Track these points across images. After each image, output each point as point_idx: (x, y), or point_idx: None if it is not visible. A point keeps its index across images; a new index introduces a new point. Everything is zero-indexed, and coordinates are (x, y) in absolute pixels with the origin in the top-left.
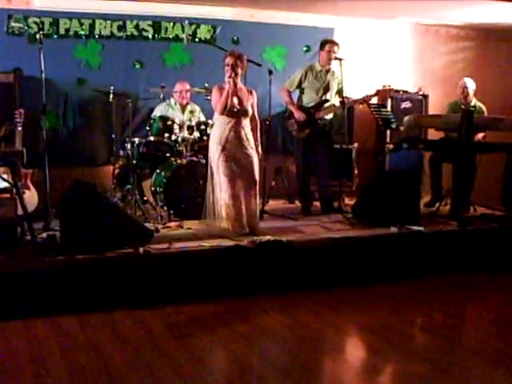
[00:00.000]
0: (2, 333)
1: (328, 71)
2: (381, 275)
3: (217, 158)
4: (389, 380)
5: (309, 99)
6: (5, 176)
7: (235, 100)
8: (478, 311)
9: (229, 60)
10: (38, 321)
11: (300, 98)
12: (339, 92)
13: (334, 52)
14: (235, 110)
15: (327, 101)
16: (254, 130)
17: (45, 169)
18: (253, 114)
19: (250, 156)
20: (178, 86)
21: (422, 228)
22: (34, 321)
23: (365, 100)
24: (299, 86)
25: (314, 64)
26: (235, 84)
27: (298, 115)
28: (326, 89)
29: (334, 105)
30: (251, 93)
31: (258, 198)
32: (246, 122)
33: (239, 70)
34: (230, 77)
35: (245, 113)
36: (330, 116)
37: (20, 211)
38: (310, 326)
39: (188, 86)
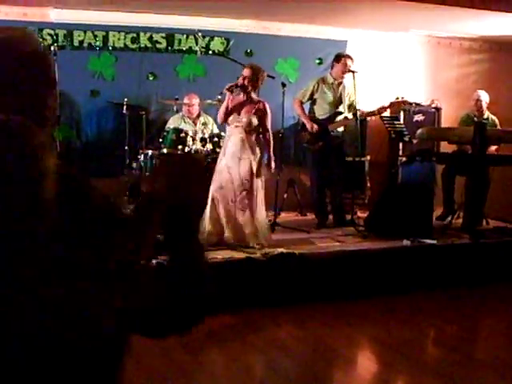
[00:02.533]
0: None
1: (340, 84)
2: (393, 288)
3: (217, 169)
4: None
5: (321, 111)
6: None
7: (237, 110)
8: (491, 324)
9: (245, 72)
10: None
11: (312, 110)
12: (351, 105)
13: (348, 65)
14: (235, 119)
15: (340, 113)
16: (267, 144)
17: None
18: (265, 127)
19: (242, 167)
20: (186, 98)
21: (434, 241)
22: None
23: (379, 112)
24: (311, 97)
25: (326, 76)
26: (247, 96)
27: (311, 126)
28: (339, 101)
29: (347, 117)
30: (262, 105)
31: (250, 211)
32: (247, 132)
33: (249, 84)
34: (230, 86)
35: (245, 123)
36: (341, 128)
37: None
38: (322, 339)
39: (196, 99)
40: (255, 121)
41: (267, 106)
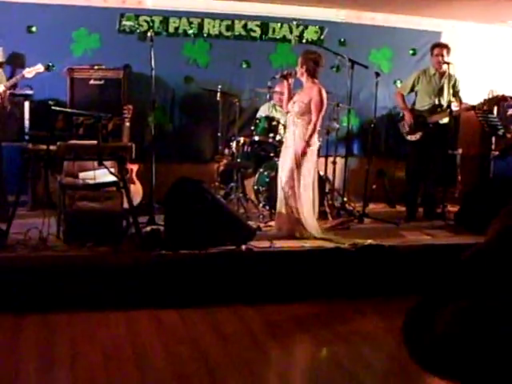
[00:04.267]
0: (104, 322)
1: (443, 75)
2: None
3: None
4: None
5: (422, 103)
6: (112, 170)
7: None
8: None
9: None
10: (140, 313)
11: (415, 102)
12: (455, 95)
13: (443, 55)
14: (288, 107)
15: (441, 105)
16: (308, 123)
17: (151, 164)
18: (309, 108)
19: (288, 157)
20: (277, 87)
21: None
22: (136, 313)
23: (478, 108)
24: (412, 89)
25: (429, 68)
26: (307, 81)
27: (408, 117)
28: (440, 92)
29: (449, 108)
30: (312, 89)
31: (292, 201)
32: (298, 120)
33: (299, 70)
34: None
35: (296, 111)
36: (445, 120)
37: (126, 205)
38: None
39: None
40: (301, 105)
41: (321, 90)
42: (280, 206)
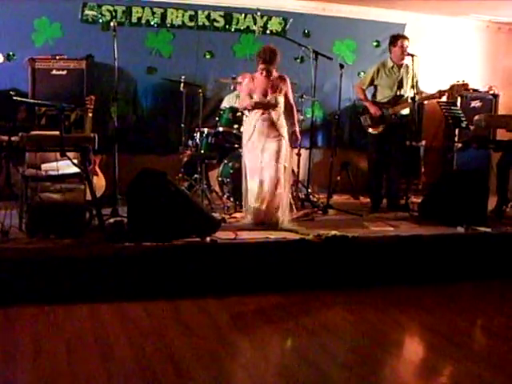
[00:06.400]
0: (67, 315)
1: (401, 66)
2: (446, 275)
3: (245, 148)
4: (449, 380)
5: (382, 96)
6: (75, 161)
7: (261, 92)
8: None
9: (261, 53)
10: (104, 306)
11: (374, 95)
12: (414, 86)
13: (406, 46)
14: (261, 102)
15: (401, 96)
16: (290, 116)
17: (114, 155)
18: (287, 100)
19: (276, 145)
20: (240, 78)
21: (489, 229)
22: (100, 305)
23: (439, 95)
24: (372, 83)
25: (386, 60)
26: (267, 76)
27: (374, 110)
28: (400, 84)
29: (409, 99)
30: (283, 81)
31: (283, 188)
32: (275, 110)
33: (271, 66)
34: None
35: (272, 104)
36: (406, 111)
37: (89, 196)
38: (373, 323)
39: None
40: (280, 98)
41: (288, 79)
42: (259, 195)
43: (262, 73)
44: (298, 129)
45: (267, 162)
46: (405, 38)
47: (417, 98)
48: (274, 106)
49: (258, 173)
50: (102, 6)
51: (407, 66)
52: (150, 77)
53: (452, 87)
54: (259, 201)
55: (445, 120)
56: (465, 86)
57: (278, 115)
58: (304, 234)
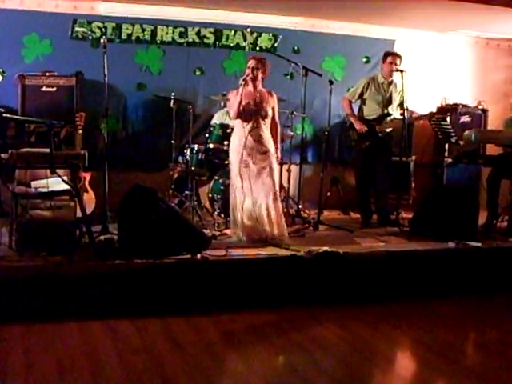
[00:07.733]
0: (58, 333)
1: (390, 83)
2: (437, 290)
3: (236, 164)
4: None
5: (370, 111)
6: (65, 178)
7: (250, 102)
8: None
9: (250, 63)
10: (95, 323)
11: (361, 109)
12: (401, 104)
13: (396, 64)
14: (250, 112)
15: (389, 115)
16: (274, 133)
17: (104, 172)
18: (273, 117)
19: (267, 160)
20: (229, 95)
21: (479, 244)
22: (91, 323)
23: (429, 117)
24: (361, 96)
25: (377, 76)
26: (254, 87)
27: (360, 127)
28: (389, 101)
29: (395, 118)
30: (271, 95)
31: (279, 203)
32: (264, 125)
33: (260, 74)
34: (245, 79)
35: (262, 114)
36: (389, 129)
37: (79, 213)
38: (364, 339)
39: None
40: (269, 111)
41: (275, 96)
42: (253, 213)
43: (248, 81)
44: (280, 146)
45: (260, 178)
46: (396, 55)
47: (406, 116)
48: (264, 116)
49: (251, 191)
50: (92, 22)
51: (396, 84)
52: (140, 93)
53: (440, 109)
54: (253, 219)
55: (435, 135)
56: (454, 106)
57: (266, 128)
58: (295, 250)
